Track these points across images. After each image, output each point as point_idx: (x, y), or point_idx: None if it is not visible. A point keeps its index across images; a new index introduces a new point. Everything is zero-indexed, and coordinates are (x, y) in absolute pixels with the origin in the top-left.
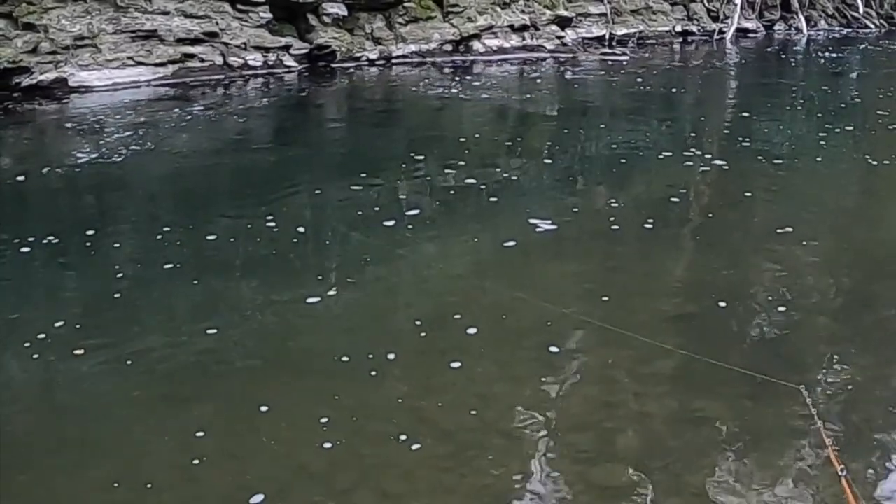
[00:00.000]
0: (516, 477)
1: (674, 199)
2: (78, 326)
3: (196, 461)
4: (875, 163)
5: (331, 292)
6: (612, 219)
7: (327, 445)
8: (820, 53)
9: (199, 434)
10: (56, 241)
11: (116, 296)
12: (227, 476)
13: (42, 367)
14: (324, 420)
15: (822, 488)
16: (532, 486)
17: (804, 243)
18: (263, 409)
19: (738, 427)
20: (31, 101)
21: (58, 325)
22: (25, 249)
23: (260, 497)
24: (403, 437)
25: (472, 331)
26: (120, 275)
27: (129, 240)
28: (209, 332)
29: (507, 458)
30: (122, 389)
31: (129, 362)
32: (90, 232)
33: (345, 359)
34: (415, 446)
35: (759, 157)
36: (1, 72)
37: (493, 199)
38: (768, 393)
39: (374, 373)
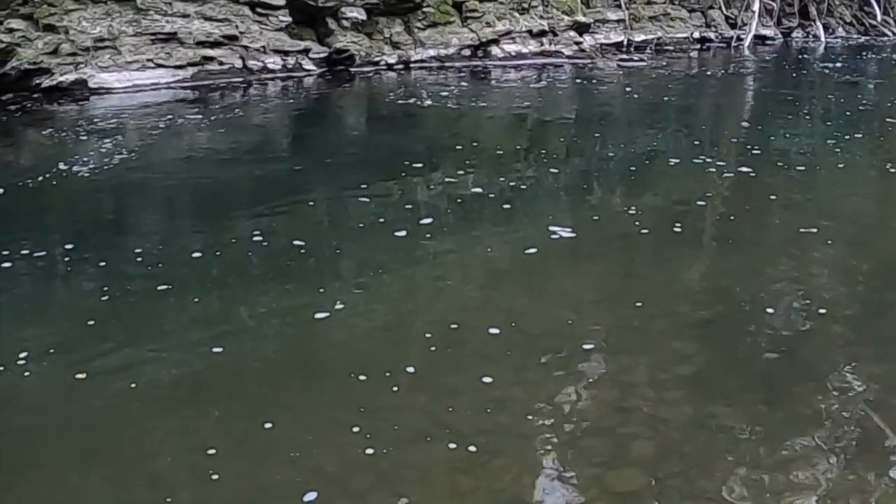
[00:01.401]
0: (531, 481)
1: (700, 203)
2: (73, 349)
3: (215, 476)
4: (894, 171)
5: (339, 306)
6: (636, 223)
7: (367, 450)
8: (838, 61)
9: (211, 451)
10: (43, 253)
11: (109, 316)
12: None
13: (40, 393)
14: (340, 426)
15: (837, 493)
16: (546, 491)
17: (829, 241)
18: (268, 425)
19: (753, 433)
20: (51, 101)
21: (51, 348)
22: (7, 265)
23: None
24: (419, 440)
25: (488, 337)
26: (106, 297)
27: (128, 253)
28: (215, 350)
29: (523, 462)
30: (129, 409)
31: (133, 385)
32: (79, 245)
33: (362, 377)
34: (430, 449)
35: (780, 164)
36: (22, 73)
37: (510, 206)
38: (784, 400)
39: (391, 384)
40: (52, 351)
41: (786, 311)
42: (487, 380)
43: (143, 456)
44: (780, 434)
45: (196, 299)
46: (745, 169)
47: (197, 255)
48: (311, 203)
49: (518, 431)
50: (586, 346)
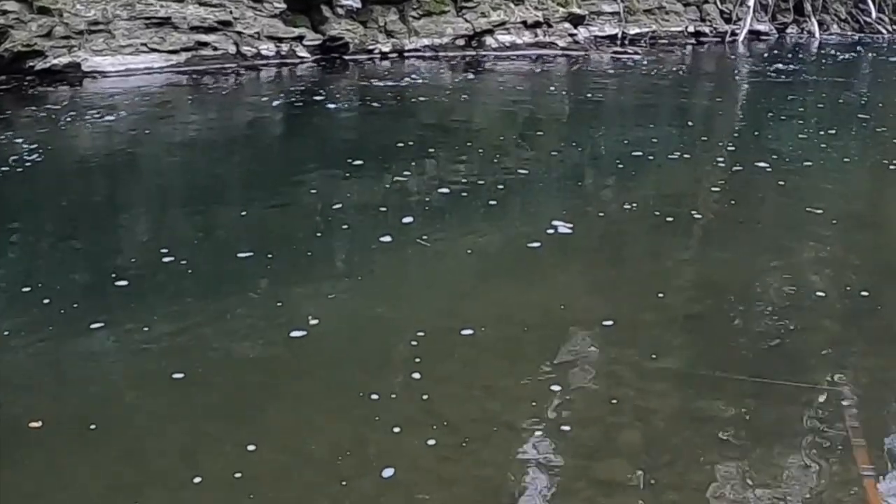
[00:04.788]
0: (518, 469)
1: (694, 197)
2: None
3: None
4: (894, 167)
5: (313, 321)
6: (632, 217)
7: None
8: (832, 58)
9: (197, 480)
10: None
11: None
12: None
13: None
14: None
15: (822, 487)
16: (534, 480)
17: (824, 236)
18: (251, 448)
19: (740, 426)
20: (44, 84)
21: None
22: None
23: None
24: (407, 428)
25: (470, 330)
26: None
27: (85, 252)
28: (175, 376)
29: (510, 451)
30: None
31: (92, 426)
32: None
33: (374, 396)
34: (418, 437)
35: (775, 161)
36: (15, 55)
37: (503, 200)
38: (771, 392)
39: (409, 391)
40: None
41: (777, 305)
42: (476, 370)
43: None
44: (767, 427)
45: (155, 319)
46: (741, 165)
47: (161, 262)
48: (310, 195)
49: (506, 420)
50: (577, 337)
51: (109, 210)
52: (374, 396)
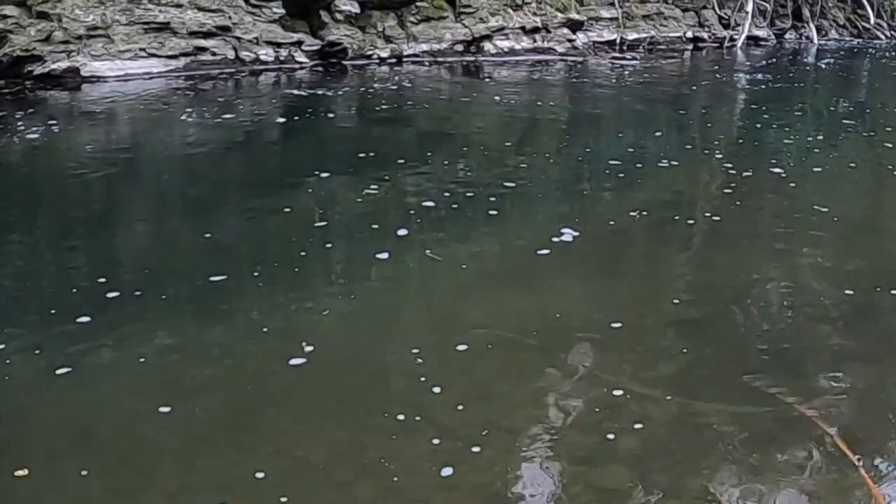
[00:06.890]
0: (515, 476)
1: (692, 203)
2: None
3: None
4: None
5: (308, 348)
6: (635, 223)
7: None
8: (831, 64)
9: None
10: None
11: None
12: None
13: None
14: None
15: (821, 493)
16: (531, 486)
17: (824, 241)
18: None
19: (739, 431)
20: (43, 89)
21: None
22: None
23: None
24: (404, 433)
25: (478, 335)
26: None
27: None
28: (162, 409)
29: (507, 457)
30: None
31: (83, 472)
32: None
33: (400, 416)
34: (415, 442)
35: (775, 168)
36: (14, 59)
37: (502, 208)
38: (770, 399)
39: (441, 403)
40: None
41: (775, 311)
42: (475, 376)
43: None
44: (765, 434)
45: (142, 359)
46: (750, 170)
47: (141, 291)
48: (282, 212)
49: (504, 426)
50: (575, 343)
51: (87, 226)
52: (401, 417)
